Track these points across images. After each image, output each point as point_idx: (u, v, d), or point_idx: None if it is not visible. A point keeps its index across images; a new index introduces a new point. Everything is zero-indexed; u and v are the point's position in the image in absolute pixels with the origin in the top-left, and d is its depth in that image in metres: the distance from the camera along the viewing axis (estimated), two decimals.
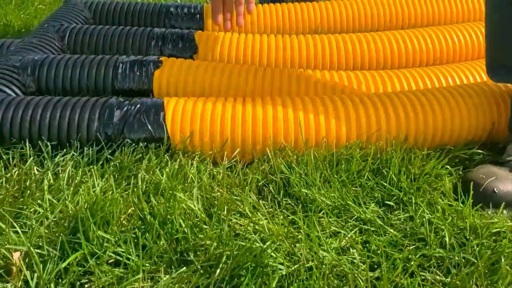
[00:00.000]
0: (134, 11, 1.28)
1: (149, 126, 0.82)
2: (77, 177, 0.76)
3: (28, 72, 0.98)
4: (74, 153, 0.81)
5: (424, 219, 0.67)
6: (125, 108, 0.84)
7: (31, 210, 0.70)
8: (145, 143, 0.82)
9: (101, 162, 0.79)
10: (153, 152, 0.80)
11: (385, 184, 0.75)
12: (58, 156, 0.81)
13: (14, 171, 0.78)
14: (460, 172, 0.80)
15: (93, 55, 1.07)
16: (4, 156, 0.81)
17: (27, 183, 0.76)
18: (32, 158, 0.80)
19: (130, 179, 0.76)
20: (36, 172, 0.79)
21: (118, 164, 0.79)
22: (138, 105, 0.84)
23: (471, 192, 0.71)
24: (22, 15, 1.48)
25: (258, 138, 0.82)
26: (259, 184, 0.76)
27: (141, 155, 0.81)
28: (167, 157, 0.80)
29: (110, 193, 0.68)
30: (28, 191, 0.74)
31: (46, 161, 0.81)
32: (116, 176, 0.77)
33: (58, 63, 0.99)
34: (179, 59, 1.03)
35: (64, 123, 0.83)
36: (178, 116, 0.83)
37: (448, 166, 0.80)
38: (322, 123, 0.82)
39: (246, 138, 0.82)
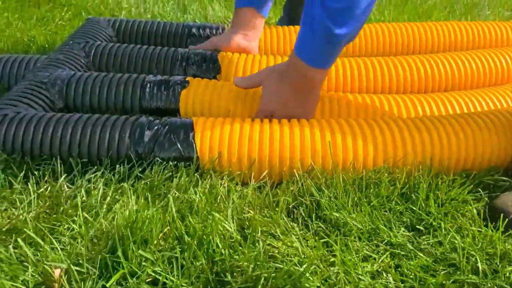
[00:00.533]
0: (157, 30, 1.31)
1: (179, 145, 0.84)
2: (109, 195, 0.77)
3: (56, 88, 1.00)
4: (105, 170, 0.82)
5: (457, 244, 0.67)
6: (156, 128, 0.85)
7: (65, 227, 0.71)
8: (175, 162, 0.83)
9: (132, 181, 0.80)
10: (183, 171, 0.81)
11: (414, 208, 0.76)
12: (89, 173, 0.82)
13: (45, 187, 0.79)
14: (486, 199, 0.81)
15: (119, 73, 1.09)
16: (36, 173, 0.82)
17: (60, 200, 0.76)
18: (63, 176, 0.81)
19: (162, 198, 0.77)
20: (67, 189, 0.80)
21: (148, 183, 0.80)
22: (168, 125, 0.86)
23: (501, 220, 0.72)
24: (43, 31, 1.50)
25: (286, 160, 0.83)
26: (289, 206, 0.77)
27: (171, 173, 0.82)
28: (197, 176, 0.81)
29: (146, 211, 0.69)
30: (61, 208, 0.74)
31: (76, 178, 0.81)
32: (147, 194, 0.78)
33: (86, 81, 1.00)
34: (205, 79, 1.04)
35: (95, 141, 0.84)
36: (207, 136, 0.84)
37: (473, 192, 0.81)
38: (349, 145, 0.83)
39: (273, 159, 0.83)
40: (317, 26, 0.84)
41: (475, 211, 0.77)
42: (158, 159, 0.83)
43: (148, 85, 0.99)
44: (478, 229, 0.73)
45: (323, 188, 0.78)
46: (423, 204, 0.77)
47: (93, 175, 0.81)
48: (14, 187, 0.79)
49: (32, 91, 0.98)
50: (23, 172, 0.81)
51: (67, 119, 0.87)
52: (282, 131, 0.85)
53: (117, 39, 1.30)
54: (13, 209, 0.76)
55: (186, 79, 1.01)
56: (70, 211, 0.74)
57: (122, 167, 0.82)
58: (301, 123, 0.87)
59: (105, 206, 0.74)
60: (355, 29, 0.85)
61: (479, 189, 0.82)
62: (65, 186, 0.80)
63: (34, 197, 0.77)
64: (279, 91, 0.93)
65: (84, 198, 0.77)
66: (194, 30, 1.31)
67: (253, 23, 1.20)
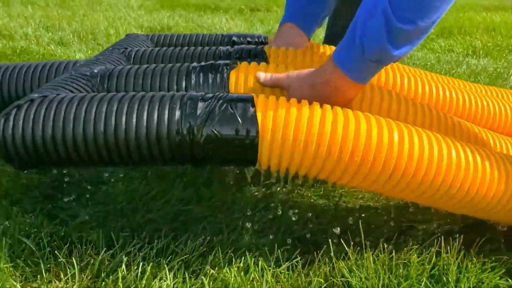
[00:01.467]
0: (197, 41, 1.29)
1: (239, 118, 0.76)
2: (148, 270, 0.80)
3: (98, 80, 0.96)
4: (143, 244, 0.86)
5: None
6: (209, 101, 0.79)
7: None
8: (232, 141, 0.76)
9: (168, 259, 0.83)
10: (218, 247, 0.84)
11: None
12: (129, 245, 0.85)
13: (88, 260, 0.83)
14: None
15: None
16: (78, 246, 0.86)
17: (101, 273, 0.80)
18: (104, 250, 0.85)
19: (197, 274, 0.80)
20: (107, 262, 0.84)
21: (184, 259, 0.83)
22: (223, 99, 0.79)
23: None
24: None
25: (358, 151, 0.74)
26: (321, 287, 0.79)
27: (205, 249, 0.85)
28: (231, 253, 0.84)
29: None
30: (103, 283, 0.78)
31: (116, 250, 0.85)
32: (183, 271, 0.81)
33: (128, 72, 0.96)
34: (253, 62, 0.97)
35: (143, 117, 0.76)
36: (271, 112, 0.75)
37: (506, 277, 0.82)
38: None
39: (345, 149, 0.74)
40: (371, 42, 0.80)
41: None
42: (214, 131, 0.76)
43: (194, 71, 0.94)
44: None
45: (354, 269, 0.80)
46: (453, 286, 0.78)
47: (132, 248, 0.85)
48: (59, 259, 0.83)
49: (73, 81, 0.93)
50: (67, 244, 0.86)
51: (111, 96, 0.80)
52: (357, 115, 0.77)
53: None
54: (57, 281, 0.80)
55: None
56: (111, 285, 0.78)
57: (160, 241, 0.86)
58: (384, 118, 0.79)
59: (144, 282, 0.78)
60: (407, 52, 0.83)
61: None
62: (106, 261, 0.84)
63: (77, 270, 0.81)
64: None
65: (124, 272, 0.80)
66: (235, 38, 1.27)
67: (294, 38, 1.13)
